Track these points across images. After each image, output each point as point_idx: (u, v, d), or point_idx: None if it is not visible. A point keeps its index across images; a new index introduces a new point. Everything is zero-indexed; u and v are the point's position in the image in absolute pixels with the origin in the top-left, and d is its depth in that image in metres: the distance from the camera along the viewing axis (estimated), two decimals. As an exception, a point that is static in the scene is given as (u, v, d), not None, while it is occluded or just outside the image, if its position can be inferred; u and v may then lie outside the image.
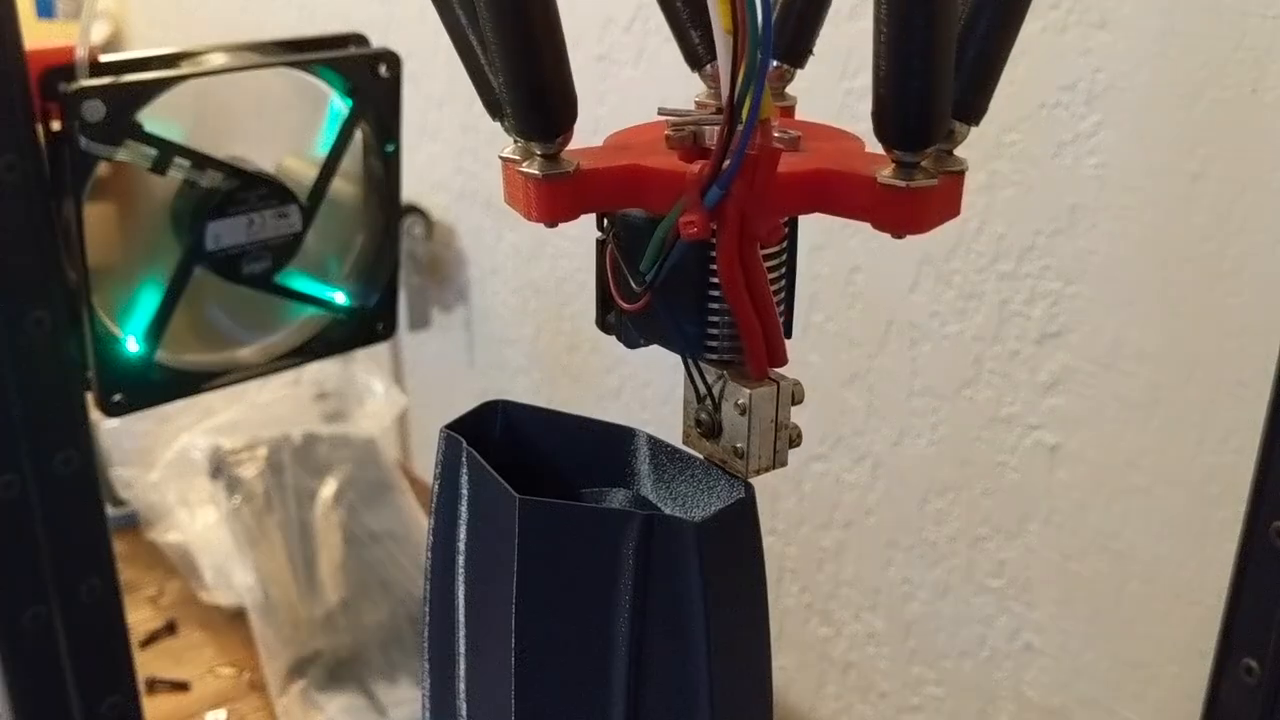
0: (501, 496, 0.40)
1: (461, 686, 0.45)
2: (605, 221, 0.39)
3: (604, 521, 0.39)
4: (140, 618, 1.37)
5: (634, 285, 0.38)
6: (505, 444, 0.46)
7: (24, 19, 0.64)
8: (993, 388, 0.88)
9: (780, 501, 1.08)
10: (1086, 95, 0.76)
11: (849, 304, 0.95)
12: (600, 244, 0.40)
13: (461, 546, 0.44)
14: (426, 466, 1.55)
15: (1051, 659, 0.89)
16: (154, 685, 1.27)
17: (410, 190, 1.02)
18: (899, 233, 0.36)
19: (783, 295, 0.40)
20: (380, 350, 1.60)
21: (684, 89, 0.43)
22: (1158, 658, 0.82)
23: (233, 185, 0.74)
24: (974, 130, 0.37)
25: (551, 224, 0.37)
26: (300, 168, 0.79)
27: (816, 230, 0.92)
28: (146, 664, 1.29)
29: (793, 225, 0.40)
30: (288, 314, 0.82)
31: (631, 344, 0.41)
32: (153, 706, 1.23)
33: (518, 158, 0.36)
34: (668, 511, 0.42)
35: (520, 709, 0.41)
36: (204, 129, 0.74)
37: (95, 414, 0.73)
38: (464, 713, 0.45)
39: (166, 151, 0.71)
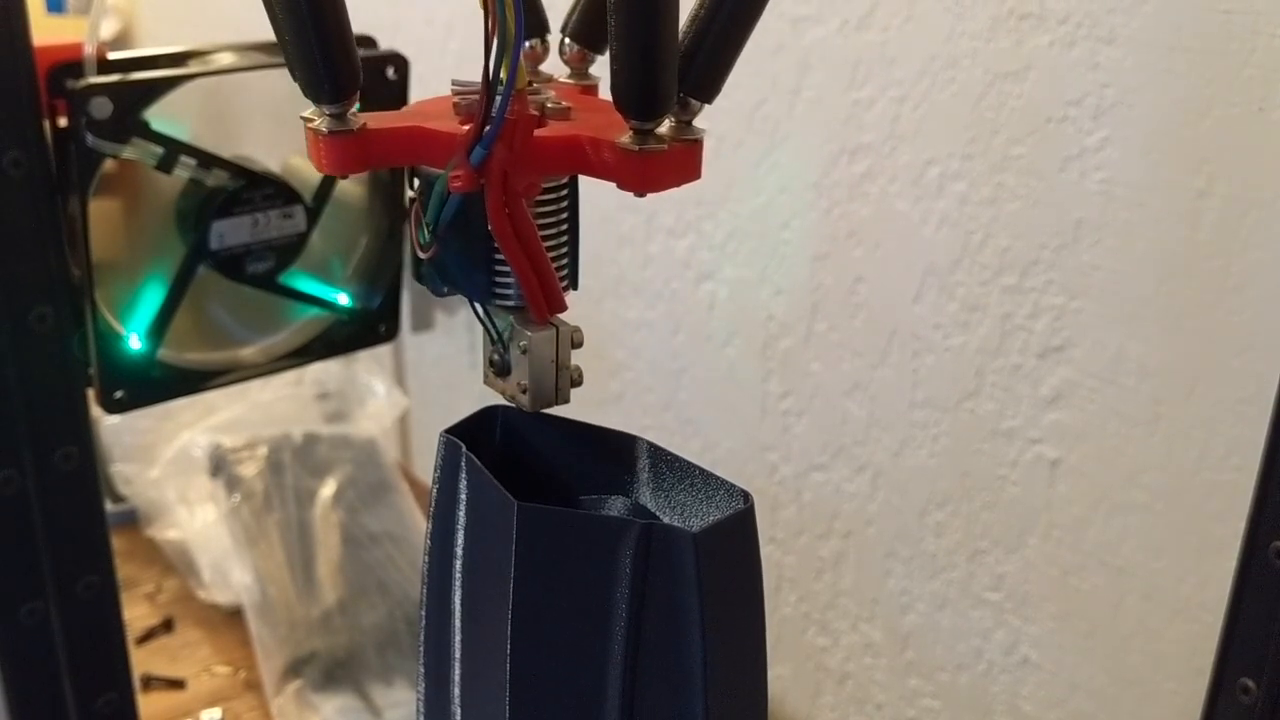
0: (500, 502, 0.40)
1: (456, 691, 0.45)
2: (415, 181, 0.44)
3: (602, 529, 0.39)
4: (137, 614, 1.36)
5: (426, 235, 0.43)
6: (505, 449, 0.46)
7: (33, 14, 0.64)
8: (994, 401, 0.88)
9: (780, 510, 1.07)
10: (1094, 110, 0.76)
11: (852, 314, 0.95)
12: (411, 201, 0.44)
13: (459, 551, 0.44)
14: (427, 468, 1.55)
15: (1048, 674, 0.89)
16: (149, 682, 1.27)
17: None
18: (638, 191, 0.41)
19: (565, 250, 0.45)
20: (382, 351, 1.60)
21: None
22: (1155, 675, 0.82)
23: (238, 184, 0.74)
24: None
25: (341, 175, 0.43)
26: (306, 168, 0.78)
27: (820, 239, 0.92)
28: (143, 661, 1.28)
29: (572, 185, 0.45)
30: (290, 314, 0.82)
31: (437, 292, 0.46)
32: (148, 704, 1.23)
33: (312, 117, 0.42)
34: (666, 520, 0.42)
35: (515, 714, 0.40)
36: (210, 128, 0.74)
37: (96, 410, 0.73)
38: (458, 717, 0.45)
39: (172, 150, 0.71)
